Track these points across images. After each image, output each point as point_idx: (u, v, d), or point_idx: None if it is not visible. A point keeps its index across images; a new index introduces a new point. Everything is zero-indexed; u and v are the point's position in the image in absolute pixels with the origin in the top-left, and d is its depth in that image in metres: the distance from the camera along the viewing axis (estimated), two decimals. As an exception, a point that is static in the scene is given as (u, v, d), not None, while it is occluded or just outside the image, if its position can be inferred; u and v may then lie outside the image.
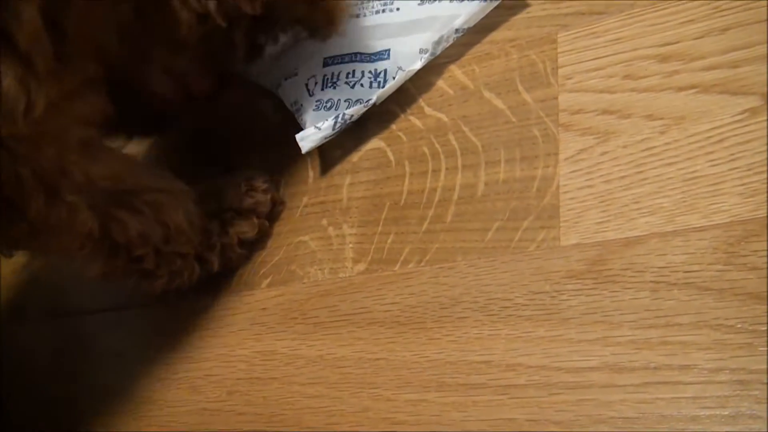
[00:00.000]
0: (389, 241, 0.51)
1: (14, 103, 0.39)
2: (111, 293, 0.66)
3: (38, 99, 0.40)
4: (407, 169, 0.53)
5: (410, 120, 0.55)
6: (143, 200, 0.51)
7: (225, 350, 0.55)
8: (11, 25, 0.38)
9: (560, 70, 0.49)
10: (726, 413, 0.36)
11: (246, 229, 0.56)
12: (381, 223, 0.52)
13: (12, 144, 0.42)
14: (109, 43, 0.46)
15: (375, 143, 0.56)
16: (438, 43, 0.54)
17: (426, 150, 0.53)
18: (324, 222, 0.55)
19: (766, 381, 0.35)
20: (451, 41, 0.55)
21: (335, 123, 0.54)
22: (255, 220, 0.56)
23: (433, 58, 0.55)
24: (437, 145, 0.52)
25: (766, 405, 0.35)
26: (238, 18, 0.49)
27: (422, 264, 0.49)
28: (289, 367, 0.51)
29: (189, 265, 0.55)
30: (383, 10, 0.57)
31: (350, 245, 0.53)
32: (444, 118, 0.53)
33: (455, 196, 0.50)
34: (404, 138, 0.54)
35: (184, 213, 0.53)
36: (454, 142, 0.52)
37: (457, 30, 0.54)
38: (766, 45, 0.43)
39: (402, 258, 0.50)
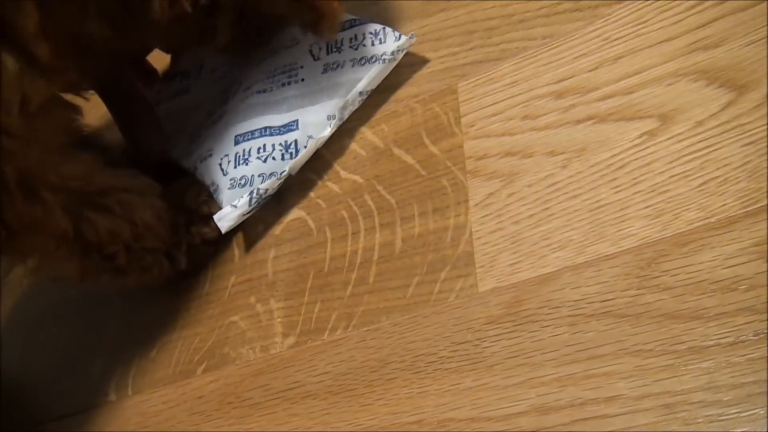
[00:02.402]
0: (316, 309, 0.50)
1: (12, 94, 0.41)
2: (52, 400, 0.64)
3: (34, 94, 0.42)
4: (328, 235, 0.52)
5: (327, 186, 0.55)
6: (112, 200, 0.52)
7: (164, 447, 0.53)
8: (14, 17, 0.39)
9: (463, 119, 0.50)
10: (656, 441, 0.35)
11: (206, 230, 0.57)
12: (307, 293, 0.51)
13: (2, 140, 0.43)
14: (96, 32, 0.48)
15: (296, 213, 0.55)
16: (344, 108, 0.54)
17: (345, 213, 0.52)
18: (252, 299, 0.54)
19: (692, 401, 0.34)
20: (357, 105, 0.55)
21: (251, 199, 0.53)
22: (213, 224, 0.56)
23: (341, 123, 0.55)
24: (355, 208, 0.52)
25: (693, 427, 0.34)
26: (221, 5, 0.52)
27: (349, 329, 0.47)
28: (227, 455, 0.49)
29: (158, 261, 0.56)
30: (289, 83, 0.57)
31: (279, 319, 0.51)
32: (359, 179, 0.53)
33: (375, 256, 0.49)
34: (323, 204, 0.54)
35: (151, 209, 0.54)
36: (370, 203, 0.51)
37: (361, 93, 0.54)
38: (657, 68, 0.44)
39: (330, 325, 0.49)
